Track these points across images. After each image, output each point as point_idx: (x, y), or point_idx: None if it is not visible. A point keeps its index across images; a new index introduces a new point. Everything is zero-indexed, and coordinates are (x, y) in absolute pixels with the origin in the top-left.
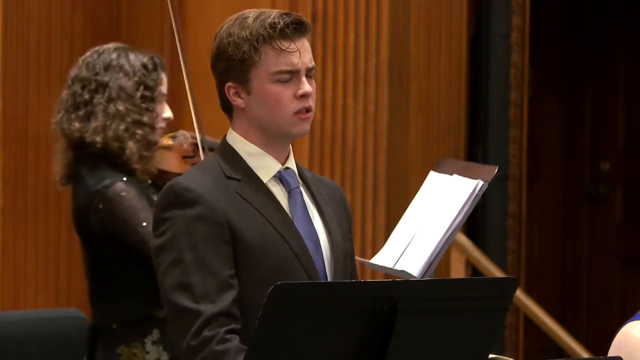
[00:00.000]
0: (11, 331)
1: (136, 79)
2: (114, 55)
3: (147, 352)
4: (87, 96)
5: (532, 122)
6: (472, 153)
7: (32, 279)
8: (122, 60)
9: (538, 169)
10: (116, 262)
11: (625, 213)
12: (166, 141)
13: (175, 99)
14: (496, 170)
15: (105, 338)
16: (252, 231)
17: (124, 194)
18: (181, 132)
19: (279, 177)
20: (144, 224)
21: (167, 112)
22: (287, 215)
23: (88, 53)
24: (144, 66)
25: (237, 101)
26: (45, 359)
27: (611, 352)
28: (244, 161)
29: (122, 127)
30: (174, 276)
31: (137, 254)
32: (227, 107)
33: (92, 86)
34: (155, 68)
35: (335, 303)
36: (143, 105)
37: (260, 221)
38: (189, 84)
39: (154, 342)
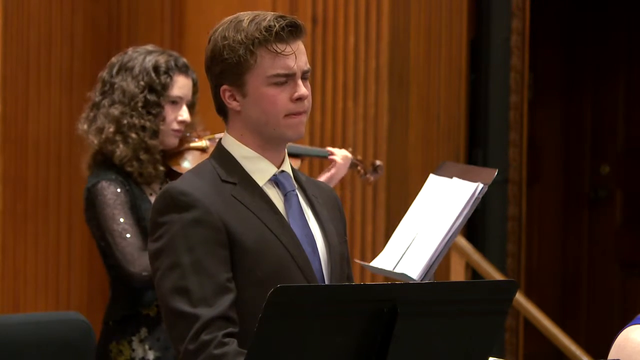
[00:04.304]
0: (11, 334)
1: (142, 82)
2: (133, 56)
3: (133, 350)
4: (98, 98)
5: (532, 125)
6: (472, 156)
7: (32, 282)
8: (135, 62)
9: (538, 172)
10: (105, 259)
11: (625, 216)
12: (202, 143)
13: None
14: (496, 173)
15: (102, 334)
16: (249, 234)
17: (104, 192)
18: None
19: (275, 181)
20: (120, 229)
21: (183, 115)
22: (284, 218)
23: (119, 54)
24: (155, 68)
25: (233, 104)
26: None
27: (611, 356)
28: (240, 165)
29: (111, 129)
30: (171, 280)
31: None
32: (222, 110)
33: (106, 87)
34: (166, 71)
35: (335, 305)
36: (144, 109)
37: (256, 224)
38: None
39: (141, 341)
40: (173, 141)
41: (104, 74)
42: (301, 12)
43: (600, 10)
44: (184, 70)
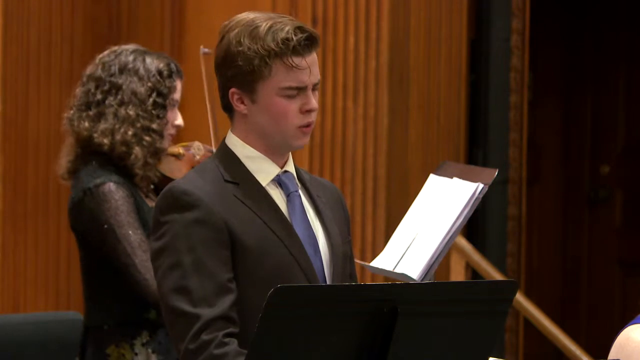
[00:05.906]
0: (11, 334)
1: (149, 84)
2: (130, 58)
3: (136, 354)
4: (99, 96)
5: (532, 125)
6: (472, 156)
7: (32, 282)
8: (138, 64)
9: (538, 172)
10: (106, 263)
11: (625, 216)
12: (177, 149)
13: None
14: (496, 173)
15: (96, 338)
16: (251, 235)
17: (114, 196)
18: (197, 143)
19: (278, 181)
20: (130, 233)
21: (178, 120)
22: (286, 218)
23: (106, 52)
24: (159, 72)
25: (240, 107)
26: None
27: (611, 356)
28: (243, 165)
29: (130, 132)
30: (172, 280)
31: (112, 261)
32: (229, 109)
33: (106, 87)
34: (170, 75)
35: (336, 305)
36: (154, 111)
37: (258, 225)
38: (211, 109)
39: (143, 344)
40: (166, 145)
41: (99, 72)
42: (301, 12)
43: (600, 10)
44: (181, 75)
